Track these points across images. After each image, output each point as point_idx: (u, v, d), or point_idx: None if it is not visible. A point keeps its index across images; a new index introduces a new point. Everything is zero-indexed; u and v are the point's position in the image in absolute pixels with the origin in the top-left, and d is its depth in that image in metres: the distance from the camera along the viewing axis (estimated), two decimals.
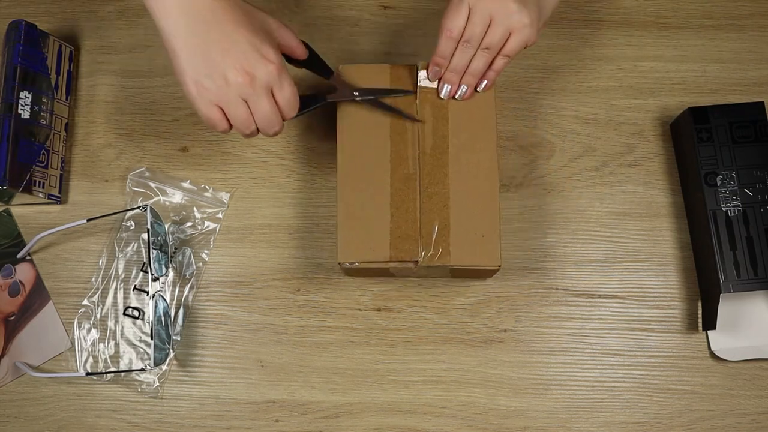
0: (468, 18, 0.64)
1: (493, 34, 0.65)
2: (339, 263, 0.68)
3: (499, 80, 0.82)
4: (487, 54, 0.67)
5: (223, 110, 0.60)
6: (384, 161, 0.70)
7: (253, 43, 0.58)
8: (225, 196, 0.80)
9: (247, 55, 0.58)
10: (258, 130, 0.62)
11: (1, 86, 0.77)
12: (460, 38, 0.66)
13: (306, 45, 0.68)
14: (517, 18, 0.64)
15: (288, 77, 0.60)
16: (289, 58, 0.68)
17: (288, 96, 0.61)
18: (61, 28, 0.87)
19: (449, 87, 0.69)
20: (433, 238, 0.67)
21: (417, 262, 0.67)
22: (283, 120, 0.62)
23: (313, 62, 0.69)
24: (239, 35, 0.57)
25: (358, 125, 0.71)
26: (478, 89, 0.70)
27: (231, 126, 0.61)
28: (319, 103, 0.68)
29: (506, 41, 0.66)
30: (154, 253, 0.74)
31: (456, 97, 0.70)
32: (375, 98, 0.70)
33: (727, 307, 0.75)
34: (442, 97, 0.70)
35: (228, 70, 0.57)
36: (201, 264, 0.79)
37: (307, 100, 0.66)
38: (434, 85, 0.70)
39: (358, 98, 0.70)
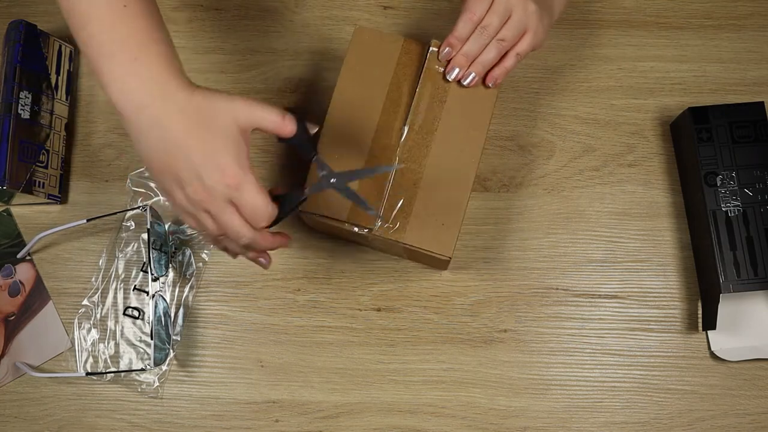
0: (490, 6, 0.65)
1: (509, 27, 0.66)
2: (300, 210, 0.66)
3: None
4: (500, 46, 0.67)
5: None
6: (370, 127, 0.69)
7: (206, 153, 0.53)
8: (299, 205, 0.79)
9: (200, 169, 0.53)
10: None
11: (1, 86, 0.77)
12: (478, 23, 0.66)
13: (299, 119, 0.59)
14: (535, 19, 0.66)
15: (251, 186, 0.55)
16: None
17: (252, 207, 0.55)
18: (61, 28, 0.86)
19: (458, 70, 0.69)
20: (394, 212, 0.67)
21: (371, 230, 0.67)
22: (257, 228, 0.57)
23: (301, 138, 0.59)
24: (190, 148, 0.53)
25: (358, 85, 0.70)
26: (487, 84, 0.70)
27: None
28: (301, 200, 0.61)
29: (519, 40, 0.67)
30: (154, 253, 0.74)
31: (464, 83, 0.69)
32: (348, 185, 0.61)
33: (727, 307, 0.75)
34: (449, 79, 0.69)
35: (186, 184, 0.54)
36: (201, 264, 0.79)
37: (285, 200, 0.60)
38: (440, 69, 0.69)
39: (334, 185, 0.61)
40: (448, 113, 0.69)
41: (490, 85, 0.69)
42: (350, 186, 0.61)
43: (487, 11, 0.66)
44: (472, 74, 0.68)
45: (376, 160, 0.68)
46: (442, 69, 0.69)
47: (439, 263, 0.71)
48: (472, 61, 0.68)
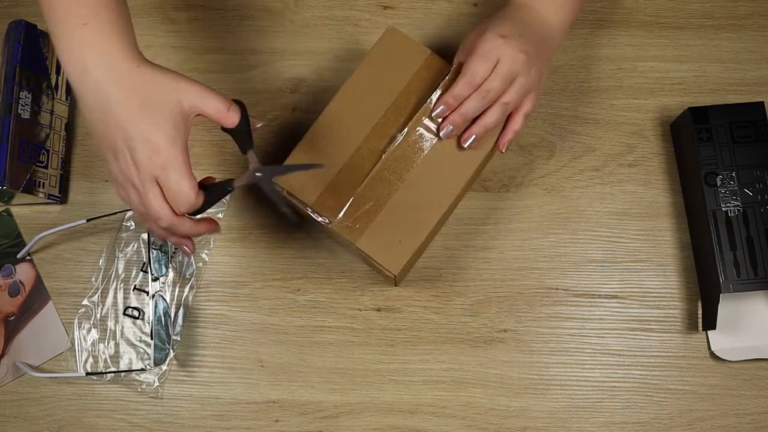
0: (493, 69, 0.64)
1: (514, 91, 0.65)
2: (272, 180, 0.64)
3: None
4: (505, 109, 0.66)
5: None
6: (366, 125, 0.69)
7: (140, 127, 0.54)
8: (225, 197, 0.80)
9: (131, 142, 0.54)
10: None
11: (1, 86, 0.77)
12: (479, 86, 0.65)
13: (244, 111, 0.59)
14: (537, 79, 0.66)
15: (179, 168, 0.54)
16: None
17: (176, 191, 0.55)
18: None
19: (452, 128, 0.67)
20: (358, 213, 0.67)
21: (328, 221, 0.67)
22: (179, 214, 0.57)
23: (243, 131, 0.59)
24: (125, 120, 0.54)
25: (371, 82, 0.70)
26: (500, 150, 0.70)
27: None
28: (228, 191, 0.60)
29: (523, 101, 0.67)
30: (154, 253, 0.74)
31: (464, 145, 0.68)
32: (271, 178, 0.61)
33: (727, 307, 0.75)
34: (441, 137, 0.67)
35: (119, 154, 0.55)
36: (201, 264, 0.79)
37: (213, 190, 0.59)
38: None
39: (259, 179, 0.60)
40: (444, 140, 0.69)
41: (503, 150, 0.69)
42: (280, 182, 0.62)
43: (490, 73, 0.64)
44: (473, 136, 0.67)
45: (361, 160, 0.68)
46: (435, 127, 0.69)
47: (386, 275, 0.70)
48: (472, 122, 0.67)
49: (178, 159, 0.54)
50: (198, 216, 0.60)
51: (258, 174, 0.60)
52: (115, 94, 0.54)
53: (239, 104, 0.59)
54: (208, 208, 0.59)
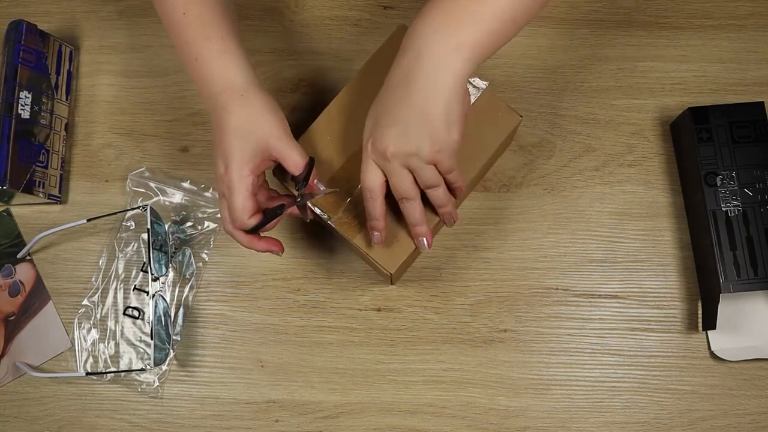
0: (387, 176, 0.59)
1: (425, 176, 0.59)
2: (273, 172, 0.68)
3: (500, 80, 0.82)
4: (441, 187, 0.61)
5: None
6: None
7: (226, 155, 0.60)
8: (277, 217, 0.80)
9: (217, 158, 0.62)
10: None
11: (1, 86, 0.77)
12: (396, 195, 0.61)
13: (311, 163, 0.63)
14: (428, 150, 0.57)
15: (238, 193, 0.61)
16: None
17: (233, 210, 0.62)
18: (61, 28, 0.87)
19: (424, 239, 0.64)
20: (358, 211, 0.67)
21: (328, 216, 0.67)
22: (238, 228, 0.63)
23: (300, 180, 0.63)
24: (221, 146, 0.61)
25: (379, 78, 0.67)
26: (449, 225, 0.68)
27: None
28: (279, 214, 0.64)
29: (446, 172, 0.60)
30: (154, 253, 0.74)
31: (449, 226, 0.68)
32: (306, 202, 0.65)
33: (727, 307, 0.75)
34: (427, 249, 0.65)
35: (215, 163, 0.63)
36: (201, 264, 0.79)
37: (269, 213, 0.63)
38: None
39: (299, 201, 0.65)
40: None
41: (451, 225, 0.68)
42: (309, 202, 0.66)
43: (389, 181, 0.60)
44: (450, 218, 0.66)
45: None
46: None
47: (383, 274, 0.70)
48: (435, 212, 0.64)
49: (241, 183, 0.60)
50: (260, 232, 0.64)
51: (298, 200, 0.65)
52: (225, 115, 0.61)
53: (311, 160, 0.63)
54: (263, 226, 0.63)
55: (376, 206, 0.62)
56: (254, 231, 0.63)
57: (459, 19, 0.56)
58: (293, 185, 0.67)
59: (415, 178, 0.60)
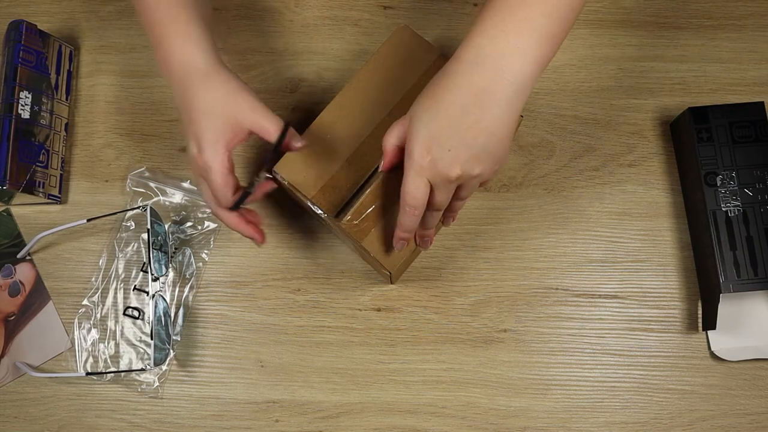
0: (432, 191, 0.58)
1: (467, 193, 0.60)
2: (274, 171, 0.69)
3: None
4: (465, 202, 0.62)
5: None
6: (372, 121, 0.69)
7: (198, 136, 0.61)
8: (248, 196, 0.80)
9: (189, 139, 0.63)
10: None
11: (1, 86, 0.77)
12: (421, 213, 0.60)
13: (286, 127, 0.64)
14: (490, 172, 0.57)
15: (218, 174, 0.61)
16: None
17: (214, 188, 0.63)
18: (61, 28, 0.87)
19: (426, 240, 0.66)
20: (366, 213, 0.67)
21: (329, 215, 0.67)
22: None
23: (274, 149, 0.64)
24: (191, 128, 0.62)
25: (379, 78, 0.70)
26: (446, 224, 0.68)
27: None
28: (247, 196, 0.65)
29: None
30: (154, 253, 0.74)
31: (424, 248, 0.68)
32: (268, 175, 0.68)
33: (727, 307, 0.75)
34: (427, 248, 0.68)
35: (186, 140, 0.63)
36: (201, 264, 0.79)
37: (250, 184, 0.65)
38: None
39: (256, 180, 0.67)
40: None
41: (447, 225, 0.68)
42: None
43: (431, 195, 0.58)
44: (430, 239, 0.67)
45: (364, 156, 0.69)
46: None
47: (384, 273, 0.70)
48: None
49: (216, 160, 0.61)
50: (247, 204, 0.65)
51: (256, 178, 0.66)
52: (192, 96, 0.62)
53: (286, 125, 0.64)
54: (246, 198, 0.64)
55: (414, 221, 0.60)
56: (238, 206, 0.64)
57: (533, 31, 0.55)
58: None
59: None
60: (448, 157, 0.55)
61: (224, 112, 0.62)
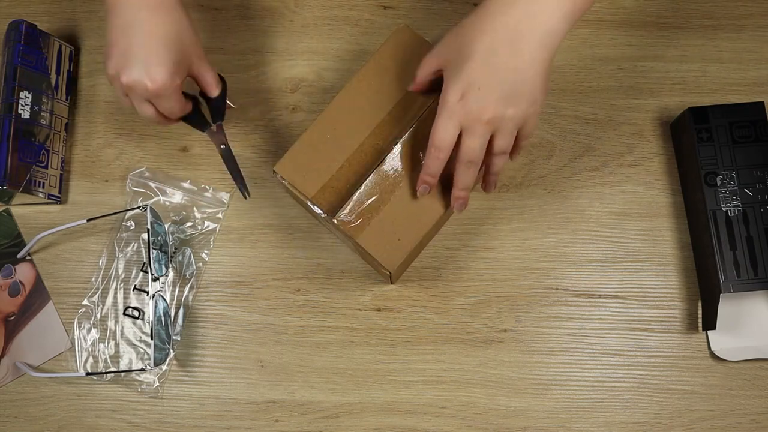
0: (463, 137, 0.58)
1: (505, 141, 0.59)
2: (274, 171, 0.69)
3: None
4: (506, 155, 0.62)
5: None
6: (371, 122, 0.69)
7: (147, 61, 0.62)
8: (225, 196, 0.80)
9: (138, 67, 0.63)
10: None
11: (1, 86, 0.77)
12: (458, 156, 0.60)
13: (224, 83, 0.73)
14: (524, 114, 0.58)
15: (171, 96, 0.65)
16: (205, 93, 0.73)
17: (167, 108, 0.67)
18: (61, 28, 0.87)
19: (461, 202, 0.66)
20: (361, 209, 0.67)
21: (328, 215, 0.67)
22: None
23: (218, 104, 0.73)
24: (143, 49, 0.62)
25: (379, 78, 0.70)
26: (487, 191, 0.70)
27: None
28: (198, 126, 0.74)
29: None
30: (154, 253, 0.74)
31: (458, 211, 0.68)
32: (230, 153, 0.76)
33: (727, 307, 0.75)
34: (461, 211, 0.68)
35: (123, 72, 0.64)
36: (201, 264, 0.79)
37: (197, 118, 0.73)
38: None
39: (223, 148, 0.76)
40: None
41: (488, 192, 0.70)
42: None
43: (462, 142, 0.58)
44: (465, 201, 0.66)
45: (363, 156, 0.69)
46: None
47: (383, 271, 0.71)
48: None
49: (175, 89, 0.65)
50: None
51: (222, 146, 0.75)
52: (146, 20, 0.62)
53: (222, 80, 0.71)
54: (186, 122, 0.72)
55: (438, 165, 0.61)
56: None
57: None
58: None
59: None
60: (478, 97, 0.56)
61: (185, 47, 0.64)
